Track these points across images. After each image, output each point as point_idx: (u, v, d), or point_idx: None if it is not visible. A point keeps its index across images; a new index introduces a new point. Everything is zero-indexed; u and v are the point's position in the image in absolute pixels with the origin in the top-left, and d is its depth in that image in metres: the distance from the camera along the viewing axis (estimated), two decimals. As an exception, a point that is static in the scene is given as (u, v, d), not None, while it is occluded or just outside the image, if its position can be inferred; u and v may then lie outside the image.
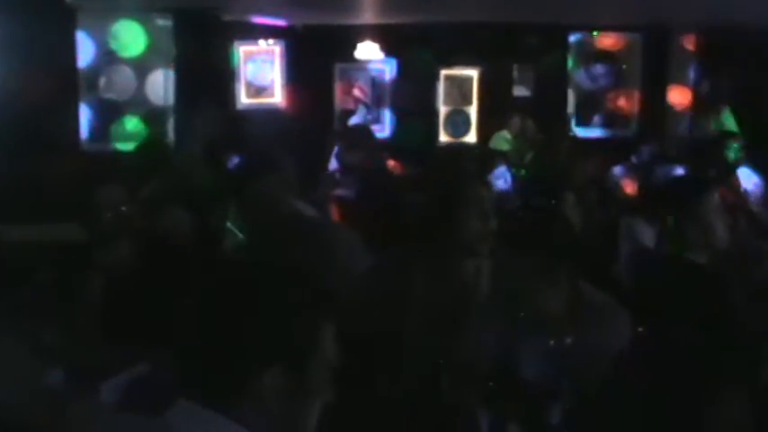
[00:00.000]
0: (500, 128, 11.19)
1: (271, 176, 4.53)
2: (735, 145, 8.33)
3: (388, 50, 12.04)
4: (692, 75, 11.80)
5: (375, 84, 12.46)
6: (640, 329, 2.99)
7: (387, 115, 12.43)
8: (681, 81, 11.82)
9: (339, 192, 6.65)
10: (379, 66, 12.37)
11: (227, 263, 3.53)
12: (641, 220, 4.81)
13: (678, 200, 4.23)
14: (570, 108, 12.21)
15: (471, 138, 12.33)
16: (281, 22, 11.88)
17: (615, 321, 3.15)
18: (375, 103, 12.41)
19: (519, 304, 3.17)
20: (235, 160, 8.39)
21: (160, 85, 10.09)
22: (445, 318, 3.32)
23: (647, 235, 4.62)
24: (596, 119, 12.22)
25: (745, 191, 7.71)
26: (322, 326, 1.90)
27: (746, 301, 3.64)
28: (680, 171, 7.66)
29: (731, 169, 7.93)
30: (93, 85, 9.91)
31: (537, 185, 5.48)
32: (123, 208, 5.06)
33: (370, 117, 12.12)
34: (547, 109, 11.76)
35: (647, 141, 9.55)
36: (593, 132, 12.06)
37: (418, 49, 11.79)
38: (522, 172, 8.73)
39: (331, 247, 3.82)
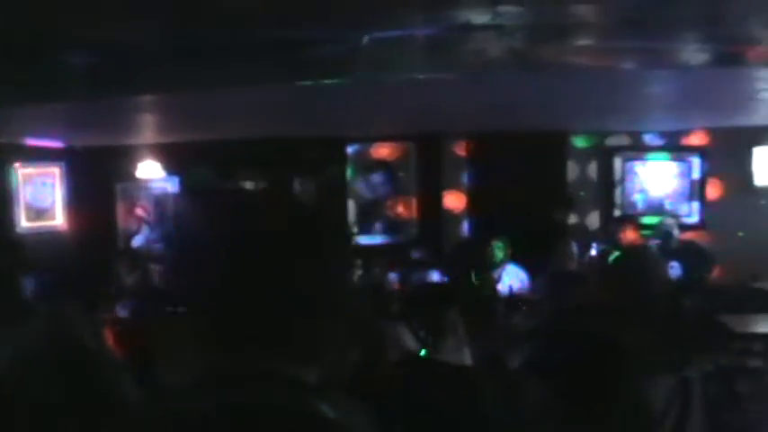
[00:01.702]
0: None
1: (71, 301, 4.53)
2: (499, 244, 8.79)
3: (170, 168, 12.12)
4: (465, 179, 12.32)
5: (158, 202, 12.50)
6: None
7: (171, 233, 12.41)
8: (455, 186, 12.31)
9: (118, 312, 6.65)
10: (161, 184, 12.41)
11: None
12: (404, 325, 5.01)
13: (424, 307, 4.46)
14: (352, 217, 12.55)
15: (257, 250, 12.40)
16: (58, 144, 11.79)
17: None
18: (158, 221, 12.42)
19: None
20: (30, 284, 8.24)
21: (-69, 211, 9.86)
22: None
23: (409, 340, 4.81)
24: (377, 226, 12.57)
25: (510, 287, 8.11)
26: None
27: (500, 398, 3.87)
28: (435, 276, 7.99)
29: (493, 268, 8.37)
30: None
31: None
32: None
33: (153, 236, 12.11)
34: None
35: (416, 247, 9.90)
36: (375, 239, 12.40)
37: (199, 166, 11.91)
38: None
39: (102, 375, 3.86)
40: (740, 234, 11.50)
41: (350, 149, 12.56)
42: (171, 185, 12.43)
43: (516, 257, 8.96)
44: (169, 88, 7.49)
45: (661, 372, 3.24)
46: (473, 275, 7.29)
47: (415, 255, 9.69)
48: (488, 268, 8.55)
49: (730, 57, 6.12)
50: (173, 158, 11.96)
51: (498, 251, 8.92)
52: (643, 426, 2.62)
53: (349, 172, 12.60)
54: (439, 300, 4.44)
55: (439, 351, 4.24)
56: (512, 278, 8.65)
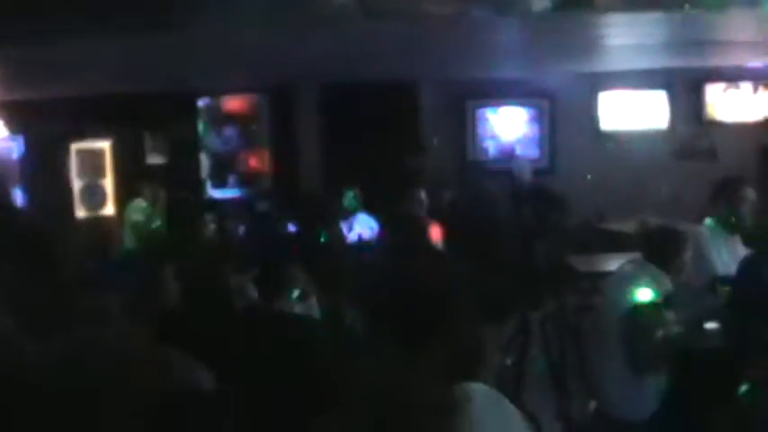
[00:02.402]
0: (135, 197, 11.07)
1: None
2: (351, 193, 8.85)
3: (14, 127, 11.74)
4: (317, 130, 12.26)
5: (2, 162, 12.03)
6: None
7: (17, 194, 12.00)
8: (308, 137, 12.25)
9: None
10: (5, 143, 11.96)
11: None
12: (249, 277, 5.01)
13: (267, 260, 4.47)
14: (205, 172, 12.41)
15: (109, 210, 12.17)
16: None
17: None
18: (3, 181, 11.96)
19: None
20: None
21: None
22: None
23: (253, 292, 4.82)
24: (231, 180, 12.44)
25: (359, 236, 8.17)
26: None
27: (337, 346, 3.92)
28: (286, 228, 8.01)
29: (344, 218, 8.43)
30: None
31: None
32: None
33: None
34: (182, 175, 11.88)
35: (266, 200, 9.85)
36: (229, 193, 12.28)
37: (45, 125, 11.54)
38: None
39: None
40: (588, 177, 11.81)
41: (200, 103, 12.38)
42: (16, 145, 12.02)
43: (368, 206, 9.02)
44: (8, 42, 7.24)
45: (508, 312, 3.31)
46: (321, 227, 7.31)
47: (263, 207, 9.65)
48: (339, 218, 8.60)
49: (573, 2, 6.23)
50: (17, 117, 11.58)
51: (350, 200, 8.98)
52: (471, 365, 2.67)
53: (200, 126, 12.42)
54: (282, 253, 4.45)
55: (281, 303, 4.26)
56: (362, 227, 8.72)
